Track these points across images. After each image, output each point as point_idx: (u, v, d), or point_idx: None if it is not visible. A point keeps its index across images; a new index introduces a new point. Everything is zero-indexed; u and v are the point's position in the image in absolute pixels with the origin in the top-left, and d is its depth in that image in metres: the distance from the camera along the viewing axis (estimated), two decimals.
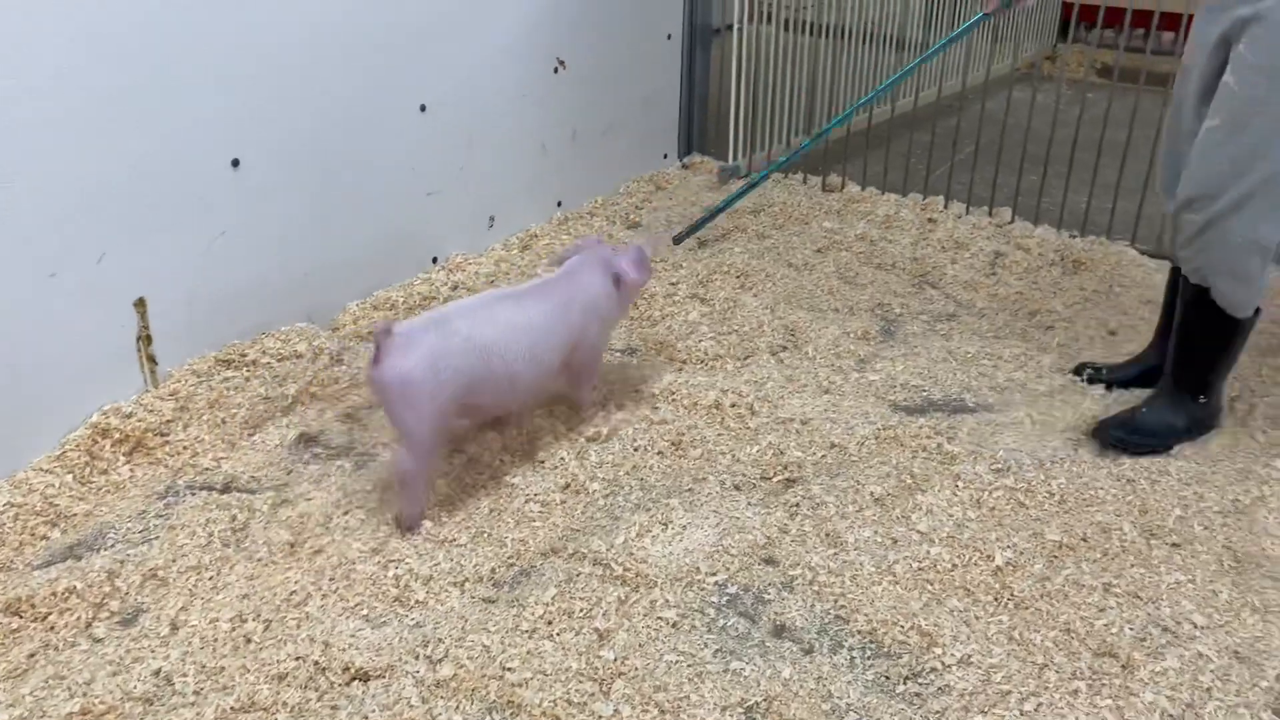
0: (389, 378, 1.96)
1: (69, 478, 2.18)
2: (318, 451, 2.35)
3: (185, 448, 2.31)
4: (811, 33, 4.12)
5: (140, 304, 2.35)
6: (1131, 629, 1.85)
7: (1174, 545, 2.07)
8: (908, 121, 4.23)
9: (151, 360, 2.40)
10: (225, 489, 2.21)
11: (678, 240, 2.93)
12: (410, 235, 3.03)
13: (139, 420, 2.31)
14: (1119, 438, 2.39)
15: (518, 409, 2.36)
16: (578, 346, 2.29)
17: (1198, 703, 1.70)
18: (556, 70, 3.38)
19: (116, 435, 2.27)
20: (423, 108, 2.93)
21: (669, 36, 3.92)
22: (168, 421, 2.34)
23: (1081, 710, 1.69)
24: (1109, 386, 2.63)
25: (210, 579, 1.94)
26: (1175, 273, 2.46)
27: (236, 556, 2.00)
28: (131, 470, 2.25)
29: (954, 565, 2.00)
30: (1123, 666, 1.77)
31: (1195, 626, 1.87)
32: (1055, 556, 2.03)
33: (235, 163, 2.47)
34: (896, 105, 4.28)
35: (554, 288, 2.29)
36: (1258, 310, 2.31)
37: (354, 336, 2.79)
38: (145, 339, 2.38)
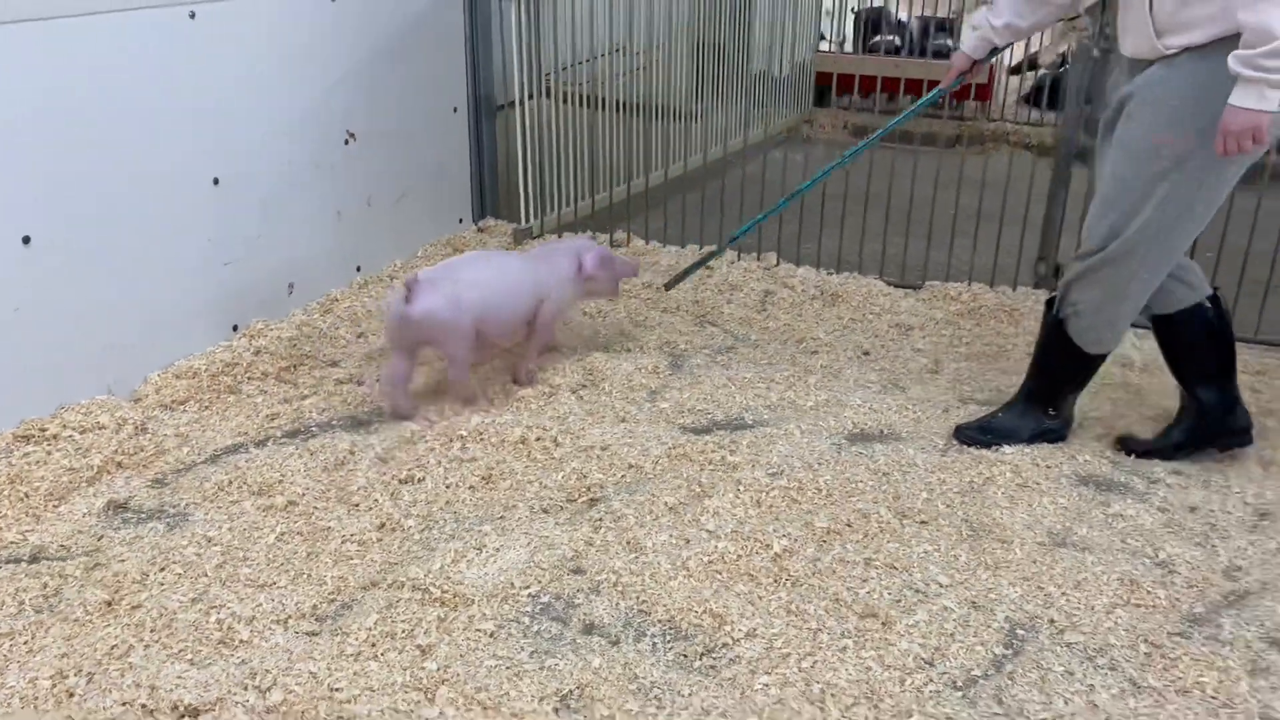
0: (424, 311, 2.66)
1: None
2: (128, 516, 2.38)
3: None
4: (589, 106, 4.46)
5: None
6: (889, 593, 2.15)
7: (922, 523, 2.41)
8: (679, 184, 4.62)
9: None
10: (34, 559, 2.21)
11: (669, 287, 3.44)
12: (210, 304, 3.09)
13: None
14: (971, 436, 2.75)
15: (507, 342, 3.01)
16: (540, 308, 2.99)
17: (944, 646, 2.01)
18: (347, 142, 3.54)
19: None
20: (215, 180, 3.03)
21: (455, 109, 4.14)
22: None
23: (850, 663, 1.95)
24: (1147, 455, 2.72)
25: (25, 643, 1.95)
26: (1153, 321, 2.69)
27: (51, 620, 2.02)
28: None
29: (739, 556, 2.25)
30: (882, 624, 2.06)
31: (940, 585, 2.18)
32: (824, 540, 2.32)
33: (26, 240, 2.49)
34: (670, 170, 4.68)
35: (529, 255, 3.13)
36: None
37: (157, 406, 2.82)
38: None
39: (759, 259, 4.10)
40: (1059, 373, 2.72)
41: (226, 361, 3.04)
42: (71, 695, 1.82)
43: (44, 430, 2.56)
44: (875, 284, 3.86)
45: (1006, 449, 2.73)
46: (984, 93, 6.59)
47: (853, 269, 3.97)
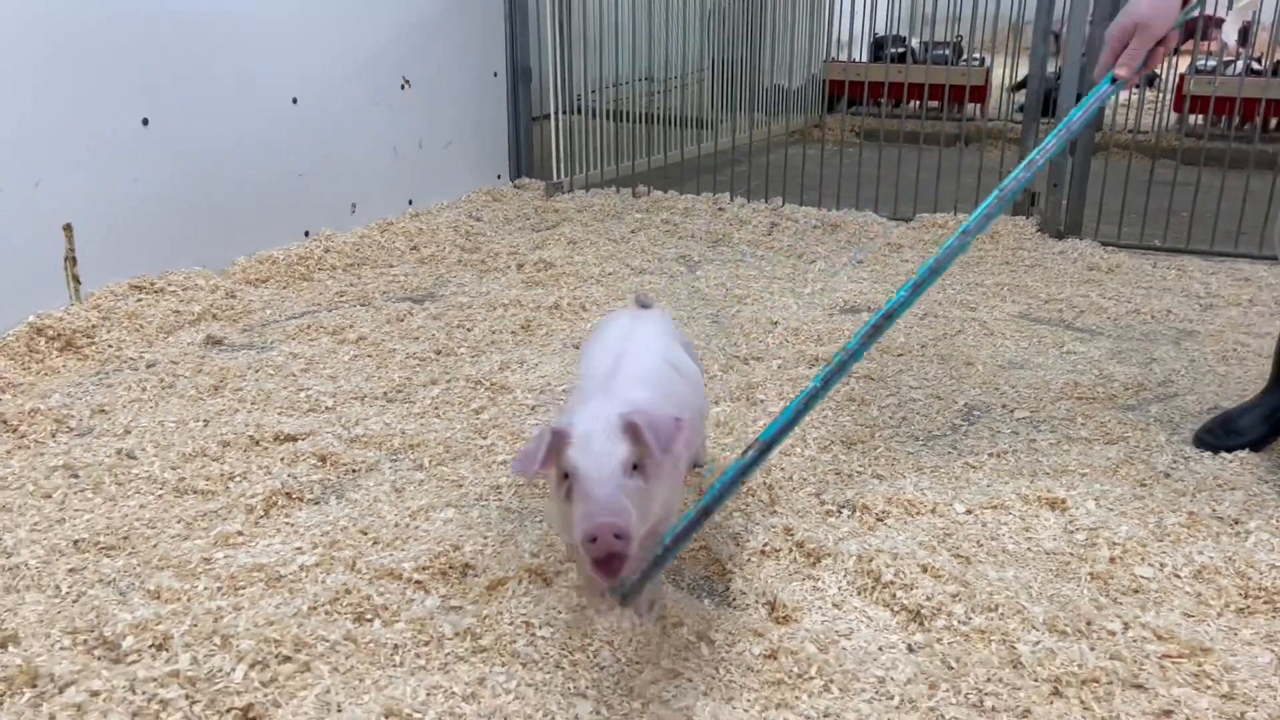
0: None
1: (11, 363, 2.57)
2: (224, 347, 2.82)
3: (110, 345, 2.74)
4: (616, 120, 5.01)
5: (68, 229, 2.79)
6: (866, 391, 2.55)
7: (899, 355, 2.80)
8: (692, 169, 5.10)
9: (76, 280, 2.84)
10: (150, 365, 2.65)
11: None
12: (285, 208, 3.57)
13: (68, 324, 2.73)
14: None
15: None
16: None
17: (910, 417, 2.39)
18: (403, 87, 4.05)
19: (50, 334, 2.69)
20: (295, 100, 3.53)
21: (495, 74, 4.66)
22: (93, 326, 2.77)
23: (829, 421, 2.34)
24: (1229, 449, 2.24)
25: (150, 409, 2.38)
26: None
27: (169, 395, 2.45)
28: (64, 362, 2.66)
29: (741, 364, 2.66)
30: (859, 404, 2.45)
31: (911, 388, 2.58)
32: (813, 363, 2.72)
33: (145, 121, 2.98)
34: (684, 153, 5.20)
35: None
36: None
37: (243, 281, 3.28)
38: (71, 260, 2.81)
39: (766, 201, 4.55)
40: None
41: (300, 255, 3.51)
42: (192, 435, 2.25)
43: (153, 284, 3.02)
44: (871, 215, 4.30)
45: None
46: (981, 95, 7.09)
47: (850, 207, 4.42)
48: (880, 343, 2.86)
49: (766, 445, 1.51)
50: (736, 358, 2.75)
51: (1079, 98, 4.02)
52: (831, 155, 4.60)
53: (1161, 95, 5.77)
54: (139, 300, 2.94)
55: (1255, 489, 2.04)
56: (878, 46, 7.78)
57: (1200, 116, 6.55)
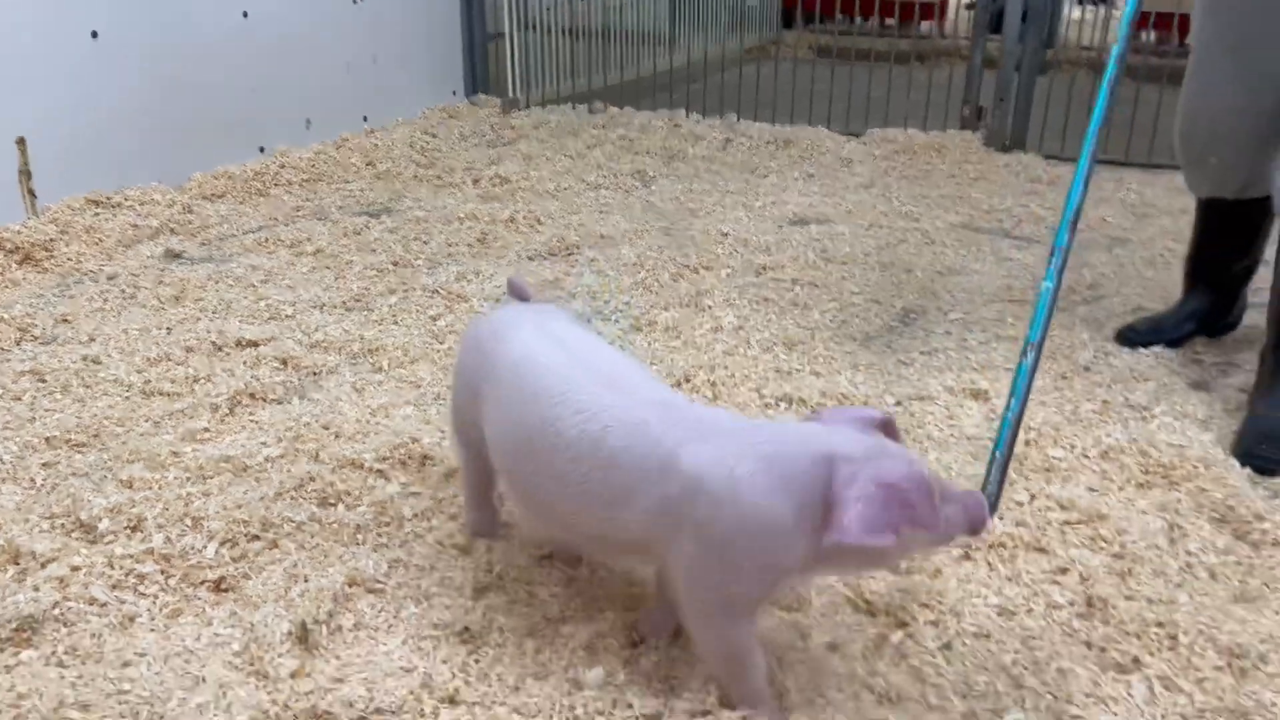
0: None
1: None
2: (184, 260, 2.86)
3: (69, 259, 2.78)
4: (572, 36, 4.98)
5: (20, 143, 2.81)
6: (809, 296, 2.66)
7: (843, 263, 2.91)
8: (648, 87, 5.13)
9: (32, 194, 2.86)
10: (111, 278, 2.69)
11: (993, 507, 1.62)
12: (239, 123, 3.59)
13: (26, 238, 2.76)
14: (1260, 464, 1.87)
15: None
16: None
17: (848, 319, 2.51)
18: (355, 2, 4.03)
19: (9, 247, 2.72)
20: (245, 14, 3.52)
21: None
22: (51, 240, 2.80)
23: (773, 325, 2.45)
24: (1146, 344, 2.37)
25: (114, 319, 2.44)
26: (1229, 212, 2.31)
27: (132, 306, 2.51)
28: (24, 275, 2.70)
29: (691, 273, 2.75)
30: (802, 309, 2.56)
31: (852, 293, 2.69)
32: (759, 271, 2.83)
33: (94, 34, 2.98)
34: (640, 70, 5.21)
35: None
36: None
37: (200, 196, 3.31)
38: (26, 174, 2.83)
39: (721, 118, 4.61)
40: None
41: (256, 171, 3.54)
42: (156, 342, 2.31)
43: (109, 199, 3.05)
44: (823, 131, 4.37)
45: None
46: (934, 13, 7.13)
47: (804, 123, 4.49)
48: (825, 251, 2.97)
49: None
50: (687, 267, 2.84)
51: (1024, 14, 4.10)
52: (787, 72, 4.64)
53: (1108, 10, 5.83)
54: (96, 215, 2.97)
55: (1166, 379, 2.18)
56: None
57: (1153, 33, 6.64)
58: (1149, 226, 3.29)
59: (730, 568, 1.13)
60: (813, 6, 7.21)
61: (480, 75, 4.94)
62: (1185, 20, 4.59)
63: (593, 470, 1.19)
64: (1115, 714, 1.27)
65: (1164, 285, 2.75)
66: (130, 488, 1.69)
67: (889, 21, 6.95)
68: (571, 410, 1.22)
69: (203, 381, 2.10)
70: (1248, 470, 1.80)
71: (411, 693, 1.27)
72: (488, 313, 1.53)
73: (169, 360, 2.19)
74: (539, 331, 1.36)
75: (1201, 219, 2.43)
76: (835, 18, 7.27)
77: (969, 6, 6.85)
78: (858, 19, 7.28)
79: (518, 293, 1.55)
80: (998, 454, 1.51)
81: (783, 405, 2.05)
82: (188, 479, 1.73)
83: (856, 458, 1.11)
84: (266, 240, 2.98)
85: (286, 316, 2.47)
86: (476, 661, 1.34)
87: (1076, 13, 7.75)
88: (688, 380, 2.12)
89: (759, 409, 2.04)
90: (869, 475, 1.09)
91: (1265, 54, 2.11)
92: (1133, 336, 2.40)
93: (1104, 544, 1.58)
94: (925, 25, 7.12)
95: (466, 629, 1.39)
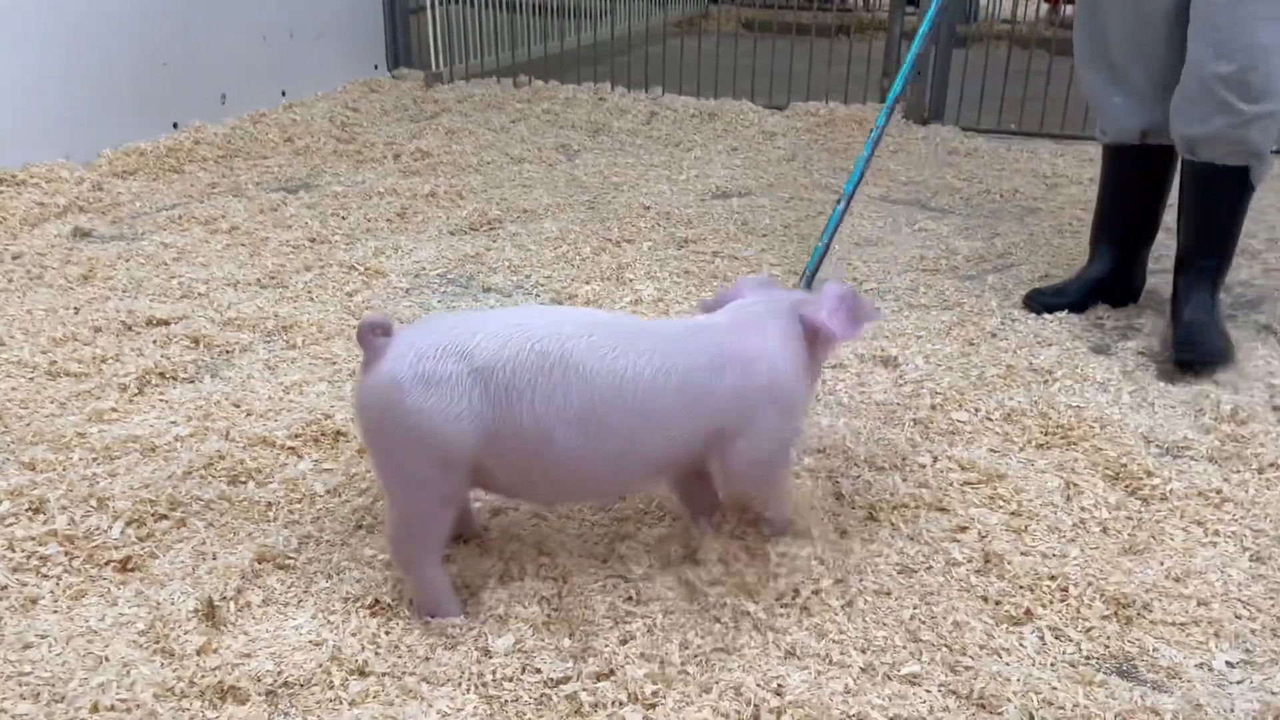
0: (368, 395, 1.29)
1: None
2: (93, 239, 2.79)
3: None
4: (504, 8, 4.93)
5: None
6: (730, 271, 2.68)
7: (762, 235, 2.94)
8: (574, 60, 5.10)
9: None
10: (15, 258, 2.62)
11: (806, 283, 2.38)
12: (152, 98, 3.50)
13: None
14: (1187, 359, 2.14)
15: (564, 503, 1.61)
16: (731, 439, 1.40)
17: None
18: None
19: None
20: None
21: None
22: None
23: (691, 282, 2.48)
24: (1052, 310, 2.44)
25: (19, 299, 2.37)
26: (1144, 163, 2.36)
27: (39, 287, 2.44)
28: None
29: (613, 245, 2.77)
30: (723, 280, 2.59)
31: (769, 265, 2.72)
32: (681, 244, 2.85)
33: None
34: (565, 44, 5.17)
35: (700, 335, 1.42)
36: None
37: (110, 174, 3.22)
38: None
39: (647, 91, 4.61)
40: (1237, 226, 2.28)
41: (169, 147, 3.45)
42: (62, 322, 2.26)
43: (14, 176, 2.95)
44: (747, 104, 4.39)
45: None
46: None
47: (728, 96, 4.51)
48: (746, 224, 3.00)
49: None
50: (609, 240, 2.85)
51: None
52: (713, 46, 4.65)
53: None
54: None
55: (1069, 344, 2.25)
56: None
57: (1070, 7, 6.77)
58: (1059, 196, 3.38)
59: (790, 415, 1.44)
60: None
61: (402, 48, 4.87)
62: None
63: (670, 394, 1.33)
64: (1007, 664, 1.32)
65: (1072, 253, 2.83)
66: (33, 470, 1.66)
67: None
68: (638, 356, 1.32)
69: (111, 361, 2.06)
70: (1141, 429, 1.87)
71: (320, 665, 1.28)
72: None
73: (76, 340, 2.14)
74: (528, 337, 1.30)
75: (1107, 172, 2.49)
76: None
77: None
78: None
79: (377, 329, 1.30)
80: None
81: None
82: (93, 459, 1.70)
83: (805, 299, 1.50)
84: (180, 218, 2.92)
85: (199, 294, 2.43)
86: (387, 633, 1.35)
87: None
88: None
89: None
90: (830, 297, 1.47)
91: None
92: (1039, 300, 2.47)
93: (1002, 503, 1.64)
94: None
95: (377, 601, 1.39)
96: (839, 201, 2.40)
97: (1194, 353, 2.12)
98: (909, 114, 4.27)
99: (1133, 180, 2.44)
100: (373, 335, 1.28)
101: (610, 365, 1.31)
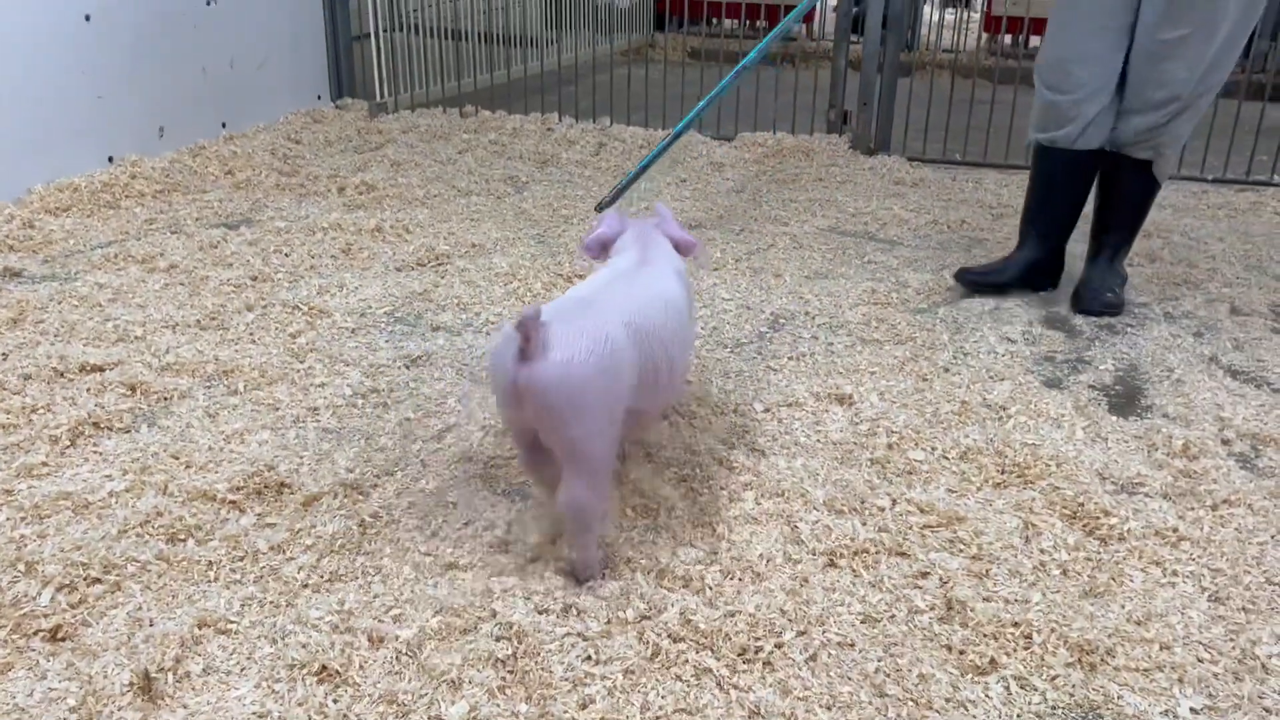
0: (551, 379, 1.44)
1: None
2: (23, 280, 2.69)
3: None
4: (449, 38, 4.88)
5: None
6: None
7: (715, 270, 2.93)
8: (520, 90, 5.07)
9: None
10: None
11: (600, 208, 2.95)
12: (86, 132, 3.39)
13: None
14: (1104, 307, 2.65)
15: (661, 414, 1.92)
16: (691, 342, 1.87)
17: (720, 327, 2.52)
18: (209, 3, 3.86)
19: None
20: (87, 17, 3.33)
21: None
22: None
23: None
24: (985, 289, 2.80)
25: None
26: (1078, 165, 2.68)
27: None
28: None
29: (563, 284, 2.73)
30: None
31: (723, 299, 2.71)
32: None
33: None
34: (511, 73, 5.16)
35: (660, 260, 1.80)
36: None
37: (42, 210, 3.12)
38: None
39: (595, 122, 4.59)
40: (1144, 216, 2.77)
41: (105, 182, 3.35)
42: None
43: None
44: (695, 136, 4.40)
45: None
46: (809, 17, 7.28)
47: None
48: (697, 258, 2.98)
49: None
50: (560, 275, 2.82)
51: (885, 20, 4.20)
52: (660, 75, 4.66)
53: (967, 14, 6.04)
54: None
55: (1021, 379, 2.26)
56: None
57: (1009, 36, 6.91)
58: (1005, 226, 3.41)
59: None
60: (680, 11, 7.27)
61: (346, 78, 4.81)
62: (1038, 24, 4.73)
63: (689, 323, 1.78)
64: (974, 716, 1.30)
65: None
66: None
67: (759, 24, 7.06)
68: (684, 293, 1.78)
69: (41, 411, 1.98)
70: (1096, 466, 1.88)
71: None
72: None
73: (3, 390, 2.05)
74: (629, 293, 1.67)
75: (1043, 169, 2.77)
76: (705, 20, 7.40)
77: (835, 8, 7.01)
78: (728, 21, 7.44)
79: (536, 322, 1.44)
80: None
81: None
82: (22, 519, 1.62)
83: (658, 222, 1.91)
84: (115, 256, 2.83)
85: (136, 338, 2.34)
86: (334, 701, 1.29)
87: (935, 15, 8.02)
88: None
89: None
90: (668, 217, 1.93)
91: (1092, 11, 2.55)
92: (969, 278, 2.81)
93: (963, 546, 1.62)
94: (794, 27, 7.25)
95: (324, 667, 1.33)
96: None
97: (1085, 310, 2.65)
98: (856, 144, 4.30)
99: (1063, 179, 2.74)
100: (533, 326, 1.43)
101: (674, 299, 1.72)
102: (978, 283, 2.79)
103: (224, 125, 4.04)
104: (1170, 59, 2.48)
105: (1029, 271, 2.80)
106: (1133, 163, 2.63)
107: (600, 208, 2.82)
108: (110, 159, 3.51)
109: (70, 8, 3.29)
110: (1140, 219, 2.76)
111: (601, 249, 1.88)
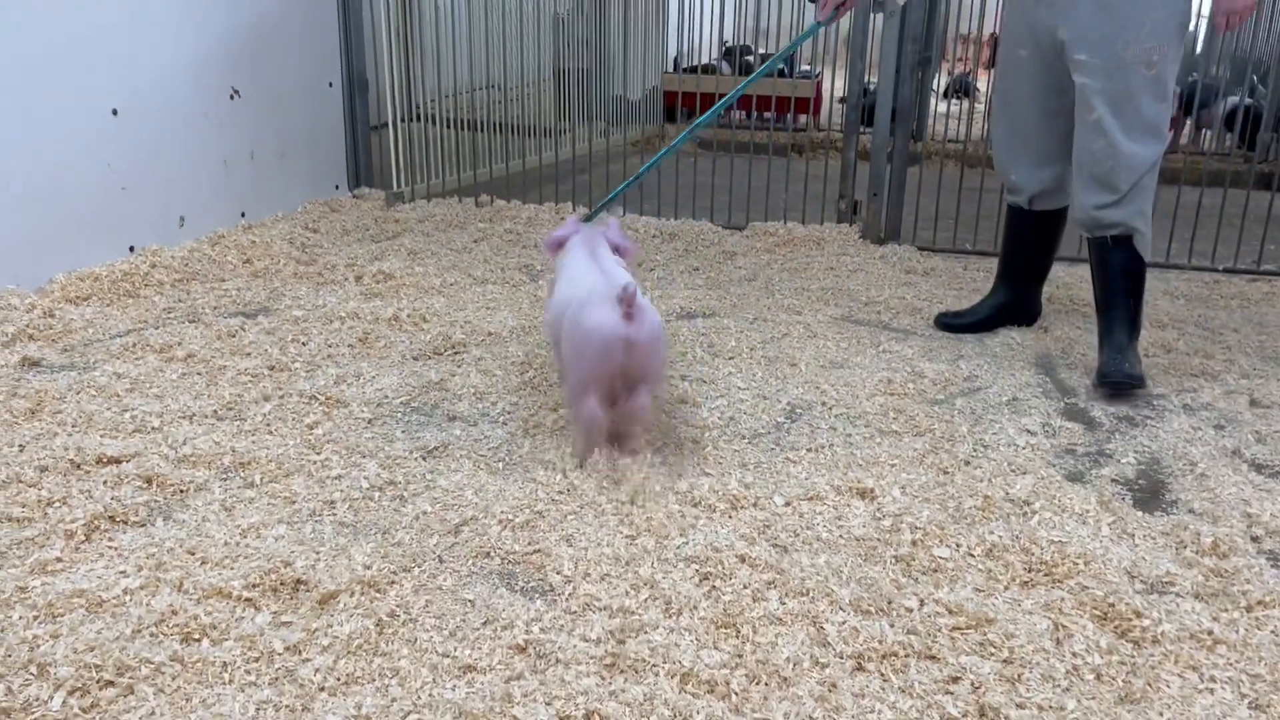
0: (654, 331, 2.10)
1: None
2: (42, 370, 2.70)
3: None
4: (464, 128, 4.99)
5: None
6: (698, 393, 2.66)
7: (730, 358, 2.93)
8: (535, 179, 5.16)
9: None
10: None
11: (588, 220, 3.19)
12: (108, 223, 3.44)
13: None
14: (1123, 382, 2.68)
15: None
16: None
17: (737, 417, 2.51)
18: (232, 97, 3.95)
19: None
20: (115, 111, 3.40)
21: (330, 84, 4.59)
22: None
23: (664, 425, 2.44)
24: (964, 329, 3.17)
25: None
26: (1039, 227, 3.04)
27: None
28: None
29: None
30: (691, 405, 2.56)
31: (739, 388, 2.70)
32: None
33: None
34: (526, 163, 5.25)
35: (605, 256, 2.40)
36: None
37: (63, 299, 3.15)
38: None
39: (607, 211, 4.65)
40: (1140, 292, 2.83)
41: (125, 271, 3.39)
42: (6, 462, 2.16)
43: None
44: (706, 225, 4.45)
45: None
46: (816, 108, 7.42)
47: (687, 215, 4.57)
48: (712, 346, 2.99)
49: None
50: None
51: (894, 112, 4.28)
52: (672, 164, 4.74)
53: (972, 104, 6.15)
54: None
55: (1044, 472, 2.23)
56: (728, 55, 8.05)
57: None
58: None
59: None
60: (691, 104, 7.42)
61: (363, 168, 4.89)
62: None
63: None
64: None
65: (1025, 370, 2.85)
66: None
67: (766, 115, 7.20)
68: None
69: (57, 505, 1.96)
70: (1124, 564, 1.85)
71: None
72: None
73: (20, 482, 2.04)
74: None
75: (1009, 225, 3.16)
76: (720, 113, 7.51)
77: (842, 100, 7.15)
78: (737, 113, 7.58)
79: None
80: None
81: (675, 507, 2.02)
82: (35, 618, 1.59)
83: (605, 230, 2.56)
84: (134, 345, 2.84)
85: (152, 429, 2.34)
86: None
87: (942, 106, 8.17)
88: (577, 487, 2.08)
89: (657, 513, 2.01)
90: (615, 227, 2.60)
91: (1014, 98, 2.94)
92: (948, 321, 3.21)
93: (993, 649, 1.58)
94: (802, 118, 7.39)
95: None
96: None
97: (1109, 381, 2.68)
98: (866, 234, 4.34)
99: (1027, 234, 3.11)
100: (635, 299, 2.05)
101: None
102: (950, 325, 3.19)
103: (243, 215, 4.10)
104: (1092, 137, 2.70)
105: (998, 313, 3.20)
106: (1109, 239, 2.78)
107: (588, 220, 3.22)
108: (131, 248, 3.55)
109: (99, 102, 3.37)
110: (1137, 292, 2.81)
111: (558, 247, 2.56)
